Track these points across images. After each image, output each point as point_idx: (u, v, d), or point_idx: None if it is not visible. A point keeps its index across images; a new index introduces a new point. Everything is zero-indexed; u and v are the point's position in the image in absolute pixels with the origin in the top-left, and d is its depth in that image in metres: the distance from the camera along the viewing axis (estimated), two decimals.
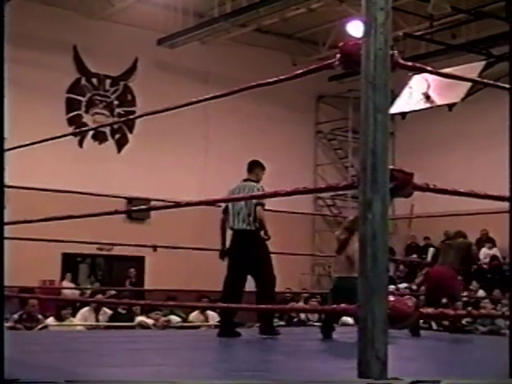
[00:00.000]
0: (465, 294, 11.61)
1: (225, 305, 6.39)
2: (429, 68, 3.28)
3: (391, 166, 2.54)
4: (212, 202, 6.32)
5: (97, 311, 11.35)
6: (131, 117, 14.37)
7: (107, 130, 16.06)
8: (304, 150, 18.51)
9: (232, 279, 6.85)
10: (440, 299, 7.98)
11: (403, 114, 14.70)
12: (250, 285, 7.00)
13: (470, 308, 11.77)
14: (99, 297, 11.88)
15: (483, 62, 13.92)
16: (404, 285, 15.17)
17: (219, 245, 7.09)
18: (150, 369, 4.20)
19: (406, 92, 13.33)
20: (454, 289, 7.69)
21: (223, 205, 7.07)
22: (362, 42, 2.50)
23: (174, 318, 11.87)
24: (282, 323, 11.20)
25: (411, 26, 14.72)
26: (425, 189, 2.87)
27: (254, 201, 6.76)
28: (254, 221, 6.80)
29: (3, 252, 2.50)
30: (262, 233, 6.85)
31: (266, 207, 6.93)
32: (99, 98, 16.20)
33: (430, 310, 2.64)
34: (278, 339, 6.80)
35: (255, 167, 7.18)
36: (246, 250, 6.84)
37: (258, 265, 6.83)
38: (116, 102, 16.38)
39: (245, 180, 7.11)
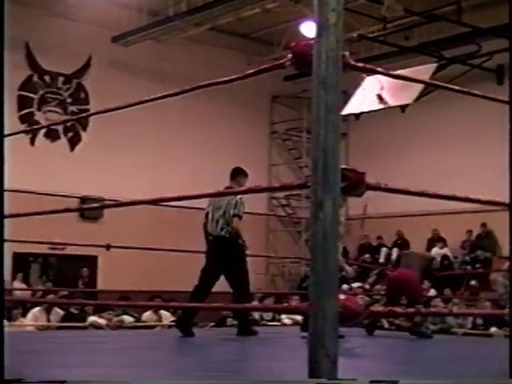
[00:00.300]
0: None
1: (176, 304, 6.41)
2: (380, 69, 3.31)
3: (343, 166, 2.56)
4: (164, 201, 6.29)
5: (48, 311, 11.22)
6: (84, 114, 14.22)
7: (60, 128, 15.85)
8: (258, 149, 18.53)
9: (205, 282, 6.98)
10: (400, 300, 8.09)
11: (357, 115, 14.81)
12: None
13: (420, 306, 11.91)
14: (51, 297, 11.74)
15: (435, 64, 14.10)
16: (357, 284, 15.30)
17: (174, 245, 7.12)
18: (102, 369, 4.17)
19: (359, 93, 13.42)
20: (415, 292, 7.78)
21: (206, 208, 7.17)
22: (313, 43, 2.51)
23: (127, 318, 11.80)
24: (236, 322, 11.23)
25: (365, 28, 14.83)
26: (377, 188, 2.89)
27: (232, 211, 6.93)
28: (232, 229, 6.96)
29: (3, 252, 2.50)
30: (240, 241, 7.04)
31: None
32: (52, 95, 15.99)
33: (379, 308, 2.67)
34: (232, 339, 6.81)
35: (238, 175, 7.25)
36: (223, 256, 7.00)
37: (234, 270, 6.99)
38: (69, 100, 16.19)
39: (227, 187, 7.13)
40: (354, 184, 2.62)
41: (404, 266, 7.98)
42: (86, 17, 15.58)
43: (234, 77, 3.63)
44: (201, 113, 16.95)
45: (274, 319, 12.99)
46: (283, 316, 12.86)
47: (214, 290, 7.15)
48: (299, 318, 11.32)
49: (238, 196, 6.97)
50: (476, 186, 11.75)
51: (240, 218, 6.98)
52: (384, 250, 17.08)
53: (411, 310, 4.14)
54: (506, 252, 15.26)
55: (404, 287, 7.73)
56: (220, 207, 6.97)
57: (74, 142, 16.10)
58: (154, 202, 5.08)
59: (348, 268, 8.10)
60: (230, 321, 11.33)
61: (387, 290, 8.19)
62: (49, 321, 11.22)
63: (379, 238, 17.40)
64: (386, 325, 12.02)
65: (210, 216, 7.08)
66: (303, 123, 18.35)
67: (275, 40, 17.20)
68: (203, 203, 7.11)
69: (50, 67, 15.88)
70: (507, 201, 3.96)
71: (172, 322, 12.19)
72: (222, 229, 6.98)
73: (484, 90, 4.20)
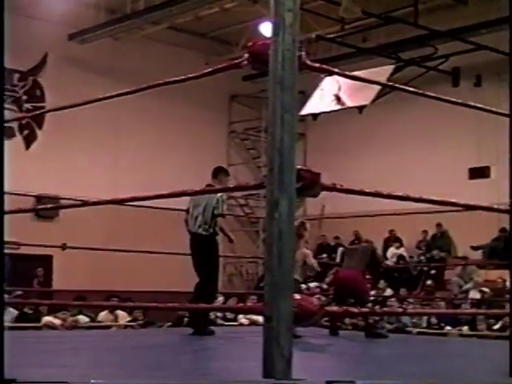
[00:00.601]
0: (372, 292, 11.84)
1: (131, 304, 6.39)
2: (337, 70, 3.32)
3: (299, 166, 2.56)
4: (121, 201, 6.23)
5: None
6: (38, 112, 14.02)
7: (15, 125, 15.63)
8: (217, 149, 18.48)
9: (199, 281, 7.07)
10: (346, 300, 8.14)
11: (315, 115, 14.87)
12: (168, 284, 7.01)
13: (376, 306, 12.02)
14: (5, 297, 11.58)
15: (392, 66, 14.23)
16: (314, 284, 15.36)
17: (130, 244, 7.11)
18: (56, 370, 4.12)
19: (317, 93, 13.48)
20: (362, 292, 7.83)
21: (188, 203, 7.23)
22: (270, 43, 2.51)
23: (82, 318, 11.70)
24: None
25: (323, 29, 14.90)
26: (332, 189, 2.90)
27: (214, 211, 7.00)
28: (209, 227, 7.03)
29: (3, 252, 2.46)
30: (227, 238, 7.28)
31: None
32: (7, 92, 15.74)
33: (334, 308, 2.68)
34: (188, 339, 6.79)
35: (219, 173, 7.31)
36: (200, 253, 7.07)
37: (205, 268, 7.04)
38: (24, 97, 15.97)
39: (208, 185, 7.17)
40: (310, 184, 2.63)
41: (346, 267, 8.05)
42: (42, 13, 15.39)
43: (190, 75, 3.61)
44: (158, 112, 16.87)
45: (235, 319, 13.00)
46: (240, 316, 12.86)
47: (173, 289, 7.19)
48: (256, 317, 11.34)
49: (219, 194, 7.08)
50: (431, 187, 11.89)
51: (224, 217, 7.13)
52: (341, 250, 17.16)
53: (366, 309, 4.18)
54: (460, 252, 15.49)
55: (348, 289, 7.78)
56: (199, 204, 7.05)
57: (29, 140, 15.89)
58: (111, 202, 5.04)
59: (318, 269, 8.22)
60: (186, 321, 11.29)
61: (334, 291, 8.26)
62: None
63: (336, 238, 17.50)
64: (350, 326, 12.08)
65: (190, 213, 7.16)
66: (262, 123, 18.34)
67: (234, 40, 17.20)
68: (161, 203, 7.03)
69: (5, 64, 15.52)
70: (461, 201, 4.03)
71: (129, 321, 12.11)
72: (199, 226, 7.06)
73: (439, 91, 4.25)
